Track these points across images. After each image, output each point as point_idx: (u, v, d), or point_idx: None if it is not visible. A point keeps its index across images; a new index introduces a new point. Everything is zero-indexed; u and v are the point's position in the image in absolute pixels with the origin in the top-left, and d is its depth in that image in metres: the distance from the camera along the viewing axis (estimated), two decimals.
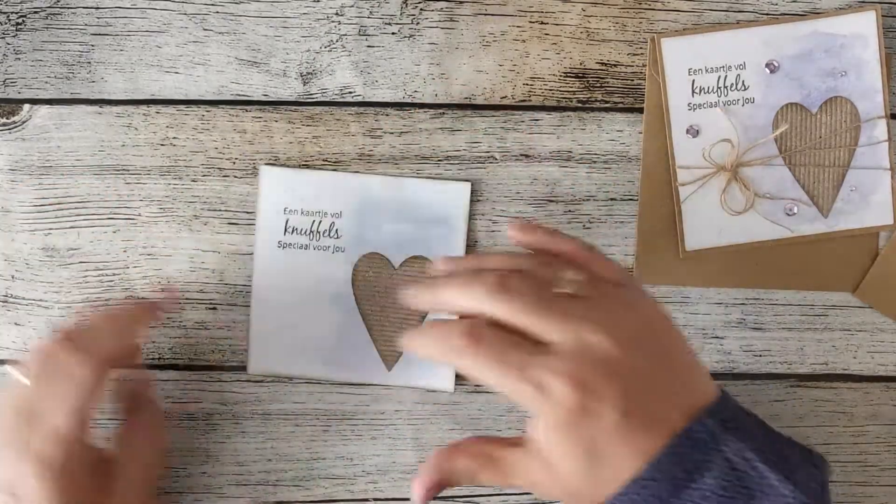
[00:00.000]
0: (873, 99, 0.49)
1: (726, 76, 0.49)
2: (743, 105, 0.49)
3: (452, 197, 0.49)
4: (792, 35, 0.49)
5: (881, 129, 0.49)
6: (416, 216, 0.49)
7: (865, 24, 0.48)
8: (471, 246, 0.49)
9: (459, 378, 0.50)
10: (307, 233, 0.49)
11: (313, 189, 0.49)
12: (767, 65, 0.49)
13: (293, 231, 0.49)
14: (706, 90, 0.49)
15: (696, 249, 0.49)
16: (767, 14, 0.49)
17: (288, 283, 0.49)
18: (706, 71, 0.49)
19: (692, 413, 0.37)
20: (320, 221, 0.49)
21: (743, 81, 0.49)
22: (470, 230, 0.49)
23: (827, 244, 0.50)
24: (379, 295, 0.49)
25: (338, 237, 0.49)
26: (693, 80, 0.49)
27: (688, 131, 0.49)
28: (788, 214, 0.49)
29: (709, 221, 0.49)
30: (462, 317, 0.43)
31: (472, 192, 0.49)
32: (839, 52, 0.49)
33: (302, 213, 0.49)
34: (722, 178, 0.49)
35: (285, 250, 0.49)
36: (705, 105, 0.49)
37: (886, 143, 0.49)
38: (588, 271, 0.41)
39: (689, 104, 0.49)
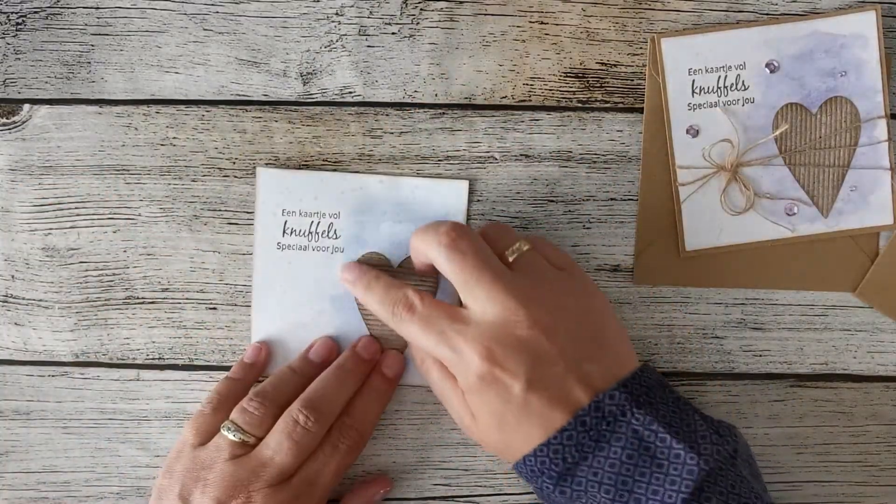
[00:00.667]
0: (873, 99, 0.49)
1: (726, 76, 0.49)
2: (743, 105, 0.49)
3: (450, 195, 0.49)
4: (792, 35, 0.49)
5: (881, 129, 0.49)
6: (415, 215, 0.49)
7: (865, 24, 0.48)
8: None
9: None
10: (305, 234, 0.49)
11: (310, 190, 0.49)
12: (767, 65, 0.49)
13: (291, 232, 0.49)
14: (706, 90, 0.49)
15: (696, 249, 0.49)
16: (767, 14, 0.49)
17: (288, 283, 0.49)
18: (706, 71, 0.49)
19: (604, 388, 0.40)
20: (318, 222, 0.49)
21: (743, 81, 0.49)
22: None
23: (827, 244, 0.50)
24: None
25: (336, 237, 0.49)
26: (693, 80, 0.49)
27: (688, 131, 0.49)
28: (788, 214, 0.49)
29: (709, 221, 0.49)
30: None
31: (472, 193, 0.49)
32: (839, 52, 0.49)
33: (300, 214, 0.49)
34: (722, 178, 0.49)
35: (284, 252, 0.49)
36: (705, 105, 0.49)
37: (886, 143, 0.49)
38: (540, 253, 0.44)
39: (688, 104, 0.49)
